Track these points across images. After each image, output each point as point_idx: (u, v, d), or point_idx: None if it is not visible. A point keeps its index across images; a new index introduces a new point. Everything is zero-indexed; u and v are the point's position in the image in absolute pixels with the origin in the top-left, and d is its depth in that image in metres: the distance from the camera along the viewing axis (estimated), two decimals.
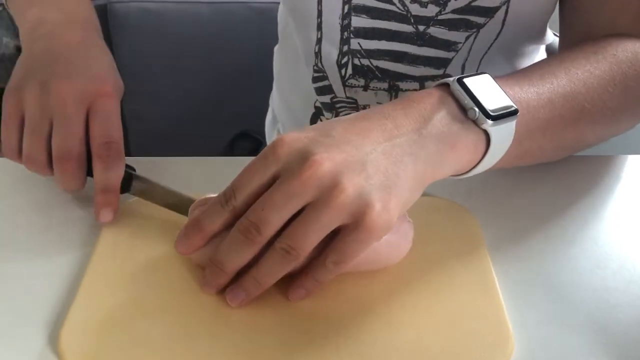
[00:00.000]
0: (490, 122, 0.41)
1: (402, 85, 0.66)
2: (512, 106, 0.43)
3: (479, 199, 0.53)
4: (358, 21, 0.64)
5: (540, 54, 0.73)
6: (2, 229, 0.50)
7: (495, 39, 0.63)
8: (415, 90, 0.65)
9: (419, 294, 0.43)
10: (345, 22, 0.64)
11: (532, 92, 0.46)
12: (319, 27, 0.66)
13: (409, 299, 0.43)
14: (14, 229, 0.50)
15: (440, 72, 0.64)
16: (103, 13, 1.55)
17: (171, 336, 0.40)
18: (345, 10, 0.63)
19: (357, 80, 0.68)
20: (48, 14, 0.54)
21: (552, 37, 0.73)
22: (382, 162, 0.39)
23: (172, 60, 1.63)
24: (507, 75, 0.47)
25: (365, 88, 0.68)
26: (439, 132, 0.41)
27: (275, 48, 0.81)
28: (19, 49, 1.89)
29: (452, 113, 0.42)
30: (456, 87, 0.42)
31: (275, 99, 0.82)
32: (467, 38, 0.63)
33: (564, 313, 0.43)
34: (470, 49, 0.63)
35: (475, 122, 0.42)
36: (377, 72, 0.66)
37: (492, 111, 0.42)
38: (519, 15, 0.61)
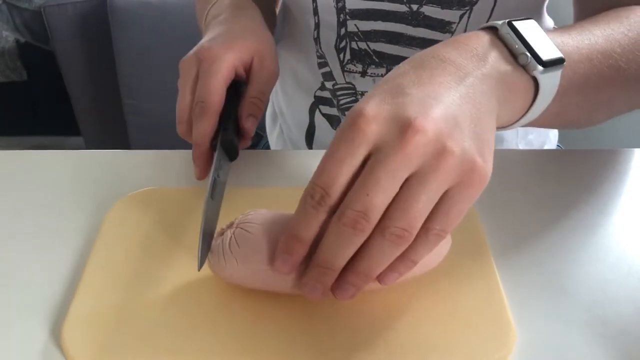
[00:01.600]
0: (540, 68, 0.40)
1: None
2: (560, 55, 0.41)
3: None
4: (352, 2, 0.64)
5: None
6: (4, 223, 0.51)
7: (489, 17, 0.62)
8: None
9: (420, 287, 0.43)
10: (340, 4, 0.64)
11: (573, 46, 0.45)
12: (315, 12, 0.66)
13: (410, 293, 0.43)
14: (16, 223, 0.51)
15: None
16: (103, 7, 1.55)
17: (174, 329, 0.40)
18: None
19: (354, 65, 0.68)
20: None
21: (551, 26, 0.73)
22: (466, 108, 0.36)
23: (172, 54, 1.62)
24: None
25: (363, 74, 0.68)
26: (496, 72, 0.39)
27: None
28: (17, 42, 1.88)
29: (502, 55, 0.40)
30: (506, 31, 0.41)
31: (276, 92, 0.82)
32: (462, 17, 0.63)
33: (564, 305, 0.43)
34: (465, 29, 0.63)
35: (524, 68, 0.40)
36: (374, 57, 0.67)
37: (545, 57, 0.40)
38: None
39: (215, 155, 0.49)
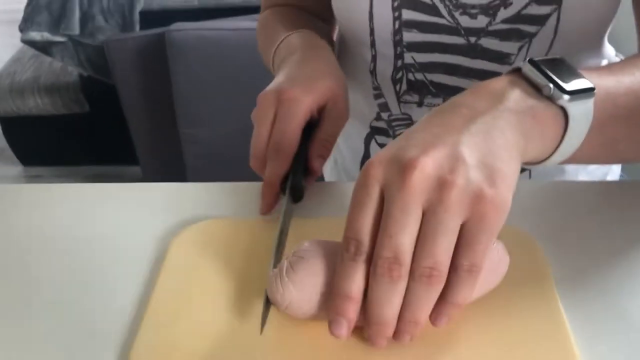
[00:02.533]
0: (566, 97, 0.40)
1: None
2: (589, 84, 0.41)
3: (541, 223, 0.52)
4: (410, 36, 0.64)
5: None
6: (74, 252, 0.53)
7: (549, 49, 0.61)
8: None
9: (482, 319, 0.43)
10: (397, 37, 0.65)
11: (612, 80, 0.44)
12: (373, 45, 0.67)
13: (473, 325, 0.42)
14: (85, 253, 0.52)
15: None
16: (161, 40, 1.61)
17: None
18: (397, 26, 0.64)
19: (411, 96, 0.68)
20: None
21: (613, 55, 0.71)
22: (473, 142, 0.37)
23: (228, 85, 1.67)
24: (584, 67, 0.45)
25: (420, 104, 0.68)
26: (516, 106, 0.39)
27: None
28: (81, 76, 1.97)
29: (526, 91, 0.40)
30: (528, 68, 0.41)
31: None
32: (520, 49, 0.62)
33: (634, 343, 0.42)
34: (524, 61, 0.63)
35: (551, 100, 0.40)
36: (431, 87, 0.67)
37: (569, 87, 0.40)
38: (572, 22, 0.59)
39: (285, 200, 0.52)
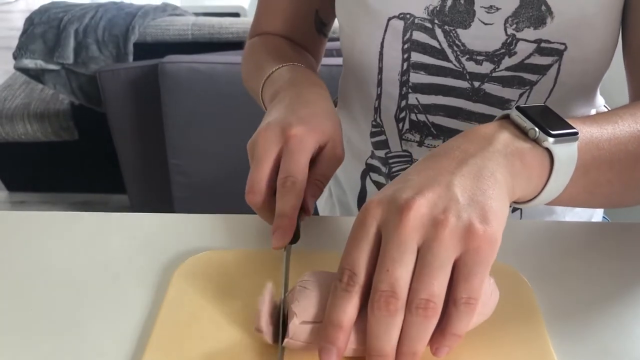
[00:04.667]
0: (551, 139, 0.43)
1: None
2: (571, 127, 0.44)
3: (529, 260, 0.54)
4: (416, 77, 0.67)
5: None
6: (76, 280, 0.53)
7: (548, 96, 0.65)
8: None
9: (472, 352, 0.44)
10: (404, 78, 0.67)
11: (595, 127, 0.47)
12: (379, 83, 0.69)
13: (467, 357, 0.44)
14: (92, 278, 0.53)
15: None
16: (154, 72, 1.63)
17: None
18: (405, 67, 0.67)
19: (413, 135, 0.71)
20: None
21: (602, 105, 0.75)
22: (465, 182, 0.40)
23: (219, 119, 1.69)
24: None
25: (420, 144, 0.71)
26: (505, 148, 0.42)
27: None
28: (72, 104, 1.98)
29: (514, 134, 0.43)
30: (515, 113, 0.44)
31: None
32: (521, 95, 0.65)
33: None
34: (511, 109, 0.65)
35: (536, 142, 0.43)
36: (432, 129, 0.69)
37: (553, 130, 0.43)
38: (571, 73, 0.63)
39: None
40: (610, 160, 0.47)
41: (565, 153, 0.44)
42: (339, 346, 0.39)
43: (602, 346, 0.46)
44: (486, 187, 0.40)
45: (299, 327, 0.41)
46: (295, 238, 0.52)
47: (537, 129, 0.43)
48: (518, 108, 0.44)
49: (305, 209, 0.54)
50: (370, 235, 0.39)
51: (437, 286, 0.37)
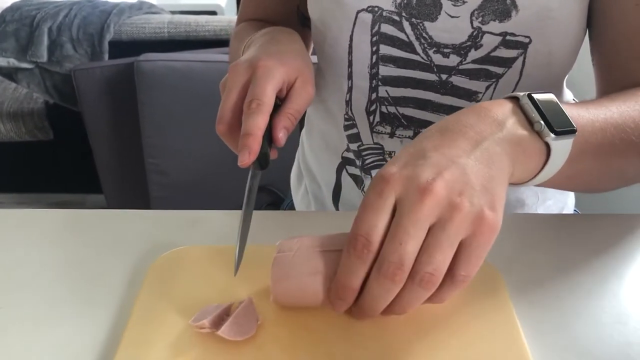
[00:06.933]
0: (553, 136, 0.45)
1: None
2: (572, 125, 0.47)
3: (500, 251, 0.54)
4: (386, 70, 0.68)
5: None
6: (48, 278, 0.53)
7: (514, 89, 0.66)
8: None
9: (443, 338, 0.45)
10: (374, 70, 0.68)
11: (588, 119, 0.50)
12: (350, 77, 0.70)
13: (433, 346, 0.45)
14: (60, 277, 0.53)
15: None
16: (130, 70, 1.61)
17: None
18: (374, 60, 0.67)
19: (384, 127, 0.71)
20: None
21: (571, 99, 0.76)
22: (478, 168, 0.42)
23: (195, 117, 1.68)
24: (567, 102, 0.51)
25: (392, 135, 0.71)
26: (513, 136, 0.44)
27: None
28: (46, 103, 1.95)
29: (519, 122, 0.45)
30: (526, 101, 0.46)
31: (304, 153, 0.85)
32: (487, 88, 0.66)
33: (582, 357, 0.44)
34: (490, 99, 0.66)
35: (539, 134, 0.45)
36: (402, 120, 0.70)
37: (557, 127, 0.45)
38: (536, 66, 0.64)
39: (251, 167, 0.53)
40: (595, 153, 0.50)
41: (562, 148, 0.47)
42: (349, 302, 0.44)
43: (571, 334, 0.47)
44: (495, 174, 0.42)
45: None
46: (263, 163, 0.53)
47: (542, 122, 0.45)
48: (529, 95, 0.46)
49: (276, 139, 0.55)
50: (388, 207, 0.41)
51: (443, 262, 0.40)
